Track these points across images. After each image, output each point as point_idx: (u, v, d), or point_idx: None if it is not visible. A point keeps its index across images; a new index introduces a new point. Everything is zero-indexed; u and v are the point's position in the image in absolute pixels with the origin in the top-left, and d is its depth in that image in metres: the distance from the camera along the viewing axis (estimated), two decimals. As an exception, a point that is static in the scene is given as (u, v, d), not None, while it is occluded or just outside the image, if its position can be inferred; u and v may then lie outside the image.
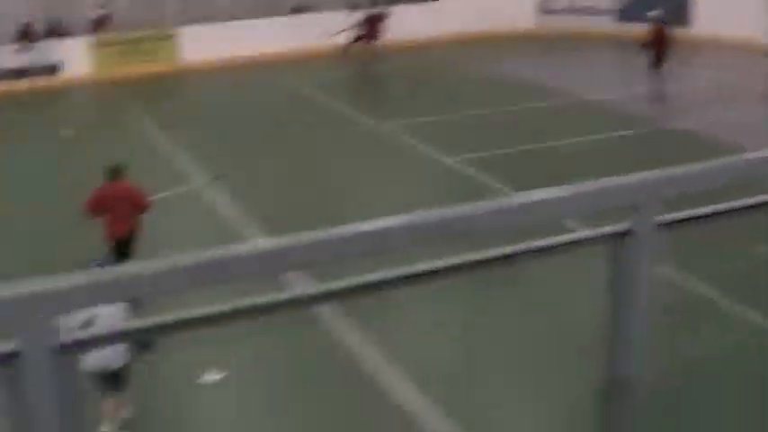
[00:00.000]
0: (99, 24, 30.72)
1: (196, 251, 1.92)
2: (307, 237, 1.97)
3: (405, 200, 15.81)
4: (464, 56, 29.54)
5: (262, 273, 1.96)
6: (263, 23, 30.86)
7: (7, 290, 1.78)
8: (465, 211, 2.10)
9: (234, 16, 30.91)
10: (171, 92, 29.07)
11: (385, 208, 15.08)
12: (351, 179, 17.87)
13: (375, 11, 30.27)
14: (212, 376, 10.20)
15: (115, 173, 12.66)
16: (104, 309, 8.20)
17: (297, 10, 32.76)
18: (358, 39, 30.04)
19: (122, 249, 12.41)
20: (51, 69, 29.60)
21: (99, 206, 12.54)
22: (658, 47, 22.36)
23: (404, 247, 2.04)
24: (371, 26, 29.99)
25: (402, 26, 30.42)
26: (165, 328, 2.03)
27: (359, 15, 30.22)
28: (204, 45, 30.04)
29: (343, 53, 29.87)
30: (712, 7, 29.44)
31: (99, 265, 9.53)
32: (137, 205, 12.66)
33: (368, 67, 29.64)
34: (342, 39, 29.81)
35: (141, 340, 8.74)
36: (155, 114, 24.24)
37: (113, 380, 9.20)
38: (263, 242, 1.97)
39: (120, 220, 12.50)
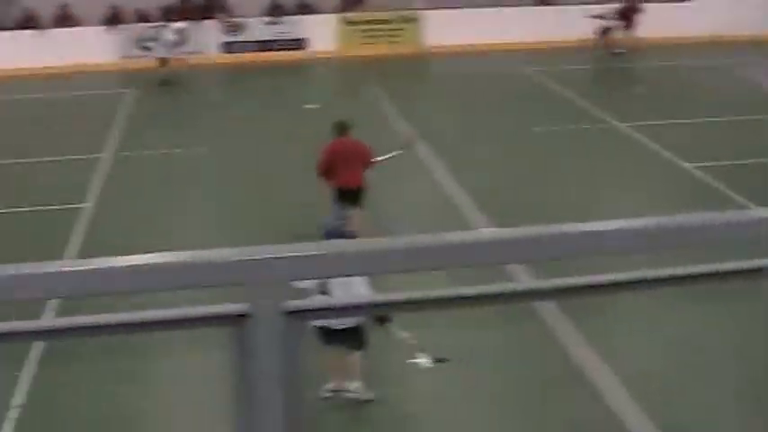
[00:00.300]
0: (352, 3, 31.42)
1: (422, 232, 1.95)
2: (531, 231, 1.96)
3: (636, 201, 15.47)
4: (712, 59, 28.46)
5: (486, 262, 1.96)
6: (507, 12, 30.76)
7: (242, 253, 1.85)
8: (700, 219, 2.03)
9: (479, 4, 30.90)
10: (411, 73, 29.41)
11: (615, 208, 14.85)
12: (580, 174, 17.60)
13: (630, 3, 29.57)
14: (426, 359, 10.29)
15: (342, 128, 13.79)
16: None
17: (542, 1, 32.46)
18: (608, 30, 29.42)
19: (351, 201, 13.25)
20: (298, 44, 30.59)
21: (330, 160, 13.43)
22: None
23: (633, 250, 1.99)
24: (625, 18, 29.37)
25: (651, 24, 29.58)
26: (391, 306, 2.06)
27: (614, 6, 29.64)
28: (448, 30, 30.21)
29: (594, 44, 29.36)
30: None
31: (328, 233, 9.79)
32: (364, 159, 13.57)
33: (612, 61, 28.98)
34: (594, 28, 29.43)
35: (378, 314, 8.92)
36: (393, 93, 24.61)
37: (344, 337, 9.33)
38: (489, 231, 1.97)
39: (350, 173, 13.36)
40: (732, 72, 26.78)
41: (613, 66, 28.87)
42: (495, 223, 14.14)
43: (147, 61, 28.55)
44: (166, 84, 26.37)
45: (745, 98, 23.72)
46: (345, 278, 8.14)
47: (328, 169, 13.42)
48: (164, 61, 27.16)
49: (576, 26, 29.53)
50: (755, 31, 30.46)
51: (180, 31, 27.73)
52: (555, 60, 28.36)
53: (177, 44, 27.60)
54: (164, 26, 28.47)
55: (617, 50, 29.18)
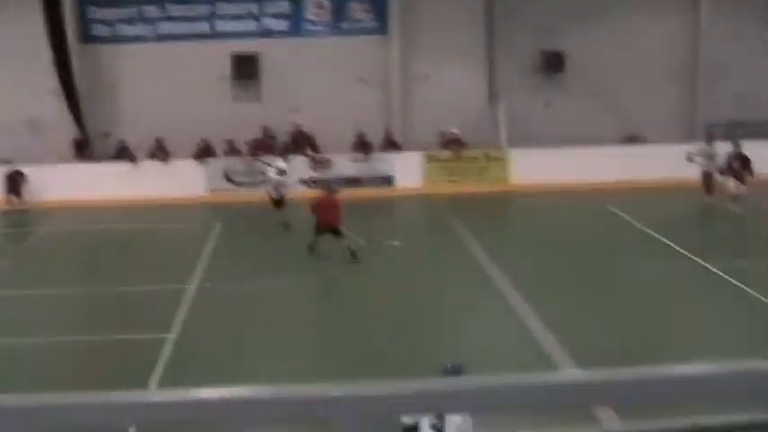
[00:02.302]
0: (449, 143, 31.78)
1: (504, 372, 1.93)
2: (621, 373, 1.93)
3: (725, 345, 15.08)
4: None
5: (567, 402, 1.93)
6: (593, 151, 30.80)
7: (326, 389, 1.85)
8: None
9: (564, 143, 31.03)
10: (496, 210, 29.56)
11: (705, 352, 14.47)
12: (670, 318, 17.27)
13: (741, 152, 27.12)
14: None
15: (330, 189, 22.89)
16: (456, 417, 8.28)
17: (629, 140, 32.51)
18: (709, 174, 27.72)
19: (334, 233, 21.39)
20: (385, 180, 30.99)
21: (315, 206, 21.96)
22: None
23: (722, 397, 1.95)
24: (735, 166, 27.03)
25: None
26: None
27: (713, 150, 28.00)
28: (533, 168, 30.41)
29: (704, 188, 27.83)
30: None
31: (449, 370, 9.57)
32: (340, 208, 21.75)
33: (706, 199, 27.76)
34: (692, 165, 27.66)
35: None
36: (476, 230, 24.64)
37: None
38: (576, 372, 1.94)
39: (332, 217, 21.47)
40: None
41: (704, 207, 27.72)
42: (581, 365, 13.92)
43: (235, 195, 29.24)
44: (287, 227, 25.28)
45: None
46: (459, 417, 8.10)
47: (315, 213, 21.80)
48: (278, 202, 25.99)
49: (665, 166, 29.17)
50: None
51: (284, 170, 27.00)
52: (642, 200, 28.15)
53: (283, 182, 26.54)
54: (268, 164, 28.31)
55: (720, 194, 27.20)
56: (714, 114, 32.11)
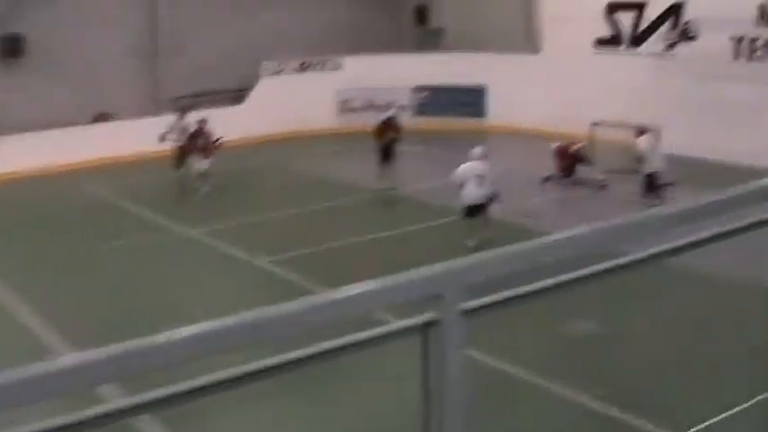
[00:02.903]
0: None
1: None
2: (117, 348, 1.95)
3: (215, 305, 15.61)
4: (270, 157, 29.70)
5: (71, 389, 1.92)
6: (64, 133, 30.07)
7: None
8: (276, 311, 2.12)
9: (32, 127, 29.92)
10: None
11: (195, 314, 14.88)
12: (159, 287, 17.55)
13: (198, 126, 26.86)
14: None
15: None
16: None
17: (99, 118, 32.17)
18: (181, 147, 26.90)
19: None
20: None
21: None
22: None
23: (217, 351, 2.04)
24: (195, 137, 26.80)
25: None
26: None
27: (183, 124, 27.38)
28: (4, 158, 28.97)
29: (173, 160, 26.93)
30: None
31: None
32: None
33: (177, 172, 27.88)
34: (166, 144, 27.02)
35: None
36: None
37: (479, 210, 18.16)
38: (71, 357, 1.93)
39: None
40: (294, 167, 28.10)
41: (179, 176, 27.81)
42: (81, 347, 13.68)
43: None
44: None
45: (308, 190, 24.97)
46: None
47: None
48: None
49: (136, 141, 29.44)
50: (312, 126, 32.37)
51: None
52: (117, 175, 28.15)
53: None
54: None
55: (185, 163, 26.72)
56: (178, 87, 32.79)
